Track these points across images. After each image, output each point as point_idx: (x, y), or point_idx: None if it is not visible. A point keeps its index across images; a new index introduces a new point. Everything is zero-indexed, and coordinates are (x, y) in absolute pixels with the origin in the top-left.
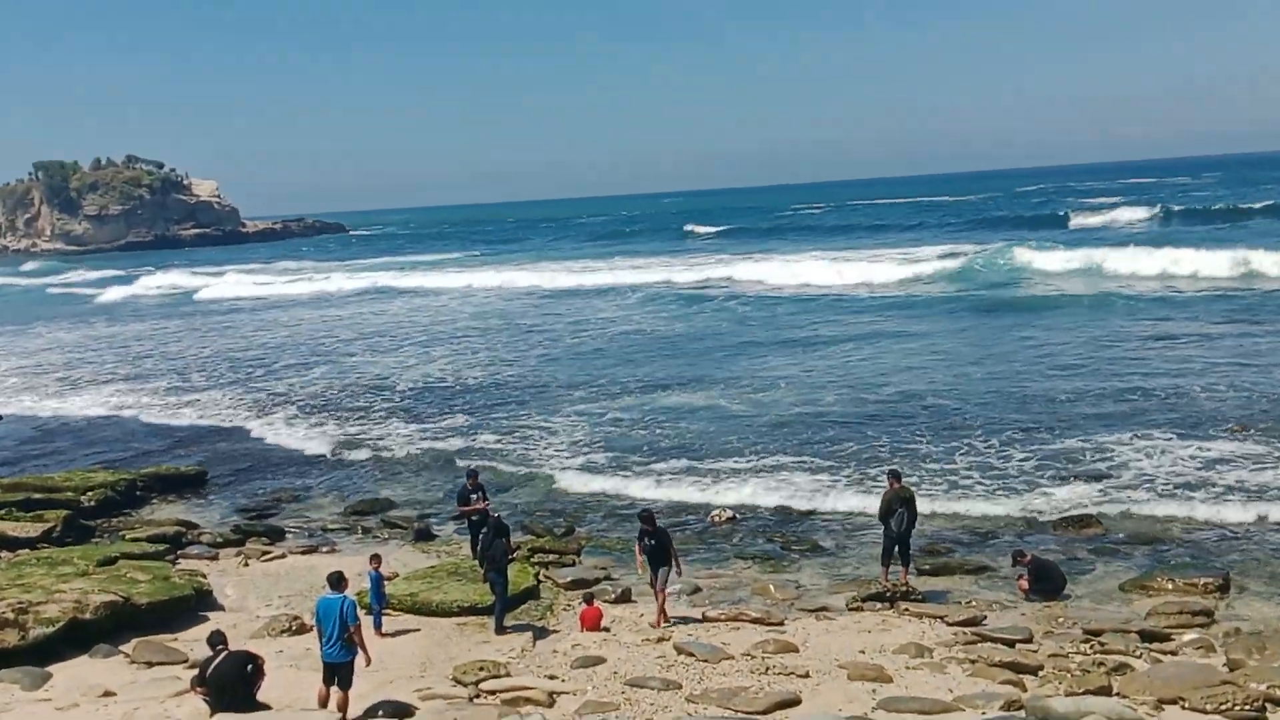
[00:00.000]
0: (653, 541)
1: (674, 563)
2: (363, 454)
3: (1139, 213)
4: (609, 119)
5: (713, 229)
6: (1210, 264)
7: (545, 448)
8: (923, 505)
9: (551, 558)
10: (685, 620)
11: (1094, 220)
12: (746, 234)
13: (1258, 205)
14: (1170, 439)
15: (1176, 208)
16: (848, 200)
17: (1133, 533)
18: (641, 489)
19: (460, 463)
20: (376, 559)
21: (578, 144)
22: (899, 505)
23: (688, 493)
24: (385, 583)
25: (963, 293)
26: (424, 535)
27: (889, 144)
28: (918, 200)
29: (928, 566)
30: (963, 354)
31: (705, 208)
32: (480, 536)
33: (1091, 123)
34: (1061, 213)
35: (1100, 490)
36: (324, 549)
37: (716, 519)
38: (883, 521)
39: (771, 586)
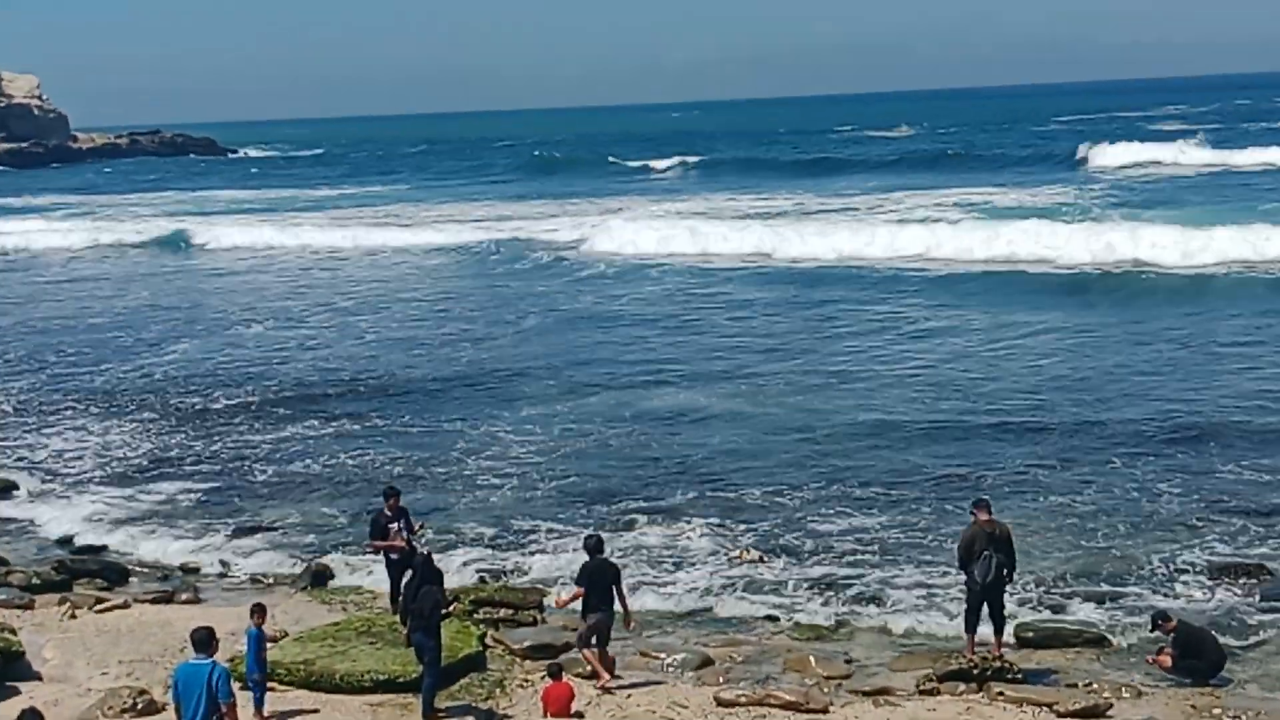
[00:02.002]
0: (596, 578)
1: (623, 607)
2: (240, 463)
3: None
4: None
5: (677, 161)
6: None
7: (494, 459)
8: (1028, 547)
9: (504, 613)
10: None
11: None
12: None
13: None
14: None
15: None
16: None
17: None
18: (628, 521)
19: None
20: (260, 611)
21: (562, 38)
22: (986, 546)
23: (689, 528)
24: (269, 644)
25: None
26: (323, 577)
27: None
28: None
29: (1031, 634)
30: (1067, 343)
31: (708, 129)
32: (404, 583)
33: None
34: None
35: (1269, 527)
36: (183, 596)
37: (740, 559)
38: (963, 569)
39: (812, 659)
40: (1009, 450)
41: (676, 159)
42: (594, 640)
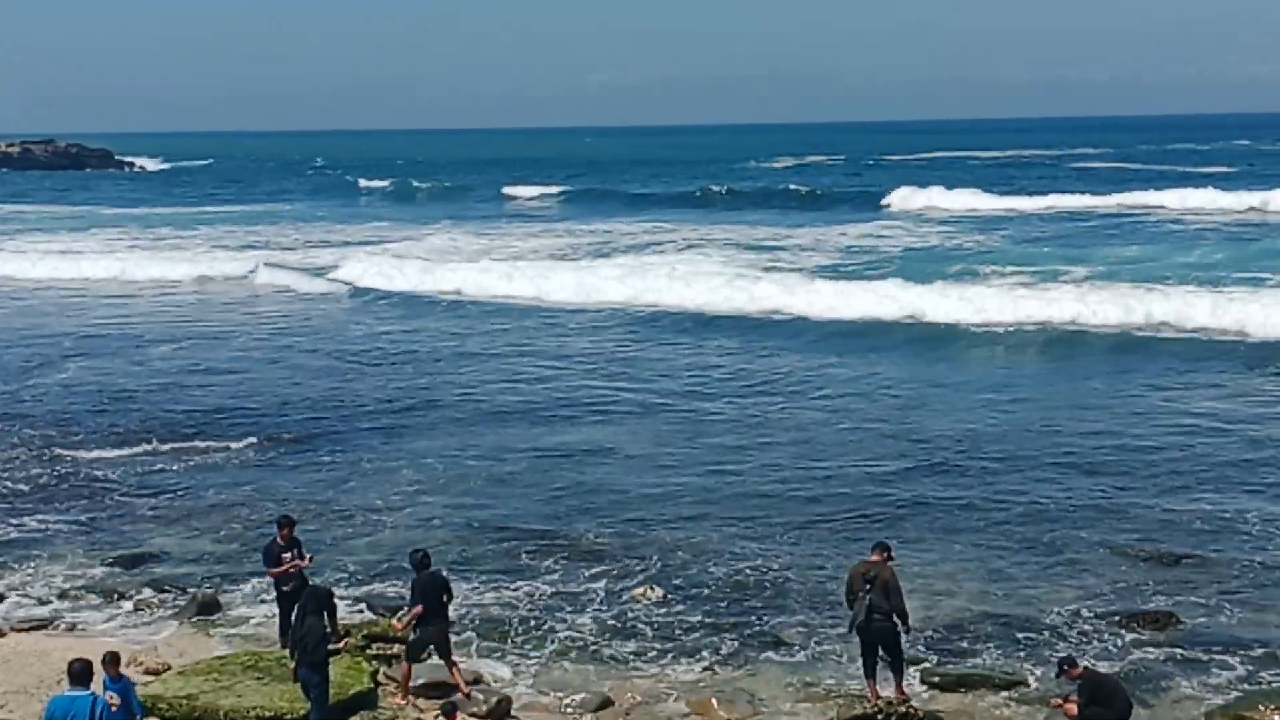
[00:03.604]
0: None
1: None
2: (120, 492)
3: None
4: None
5: (538, 193)
6: None
7: (387, 492)
8: (937, 590)
9: (397, 649)
10: None
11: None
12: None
13: None
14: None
15: None
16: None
17: (1227, 637)
18: (526, 556)
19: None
20: (113, 660)
21: (482, 57)
22: (862, 587)
23: (588, 565)
24: (149, 680)
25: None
26: (209, 607)
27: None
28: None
29: (938, 678)
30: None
31: (606, 157)
32: (294, 615)
33: None
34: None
35: (1182, 578)
36: (59, 625)
37: (640, 597)
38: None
39: (714, 701)
40: (917, 492)
41: (538, 189)
42: (426, 654)
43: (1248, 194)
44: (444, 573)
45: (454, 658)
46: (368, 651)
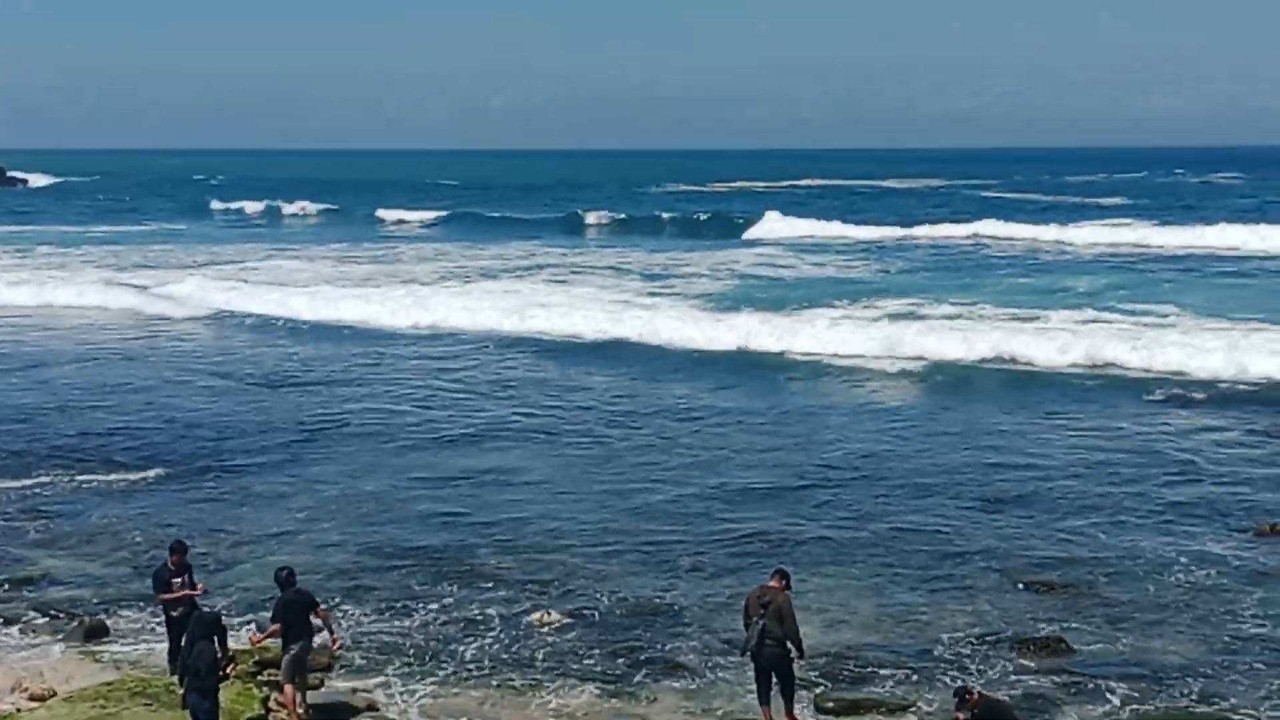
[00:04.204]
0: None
1: (327, 627)
2: (11, 507)
3: None
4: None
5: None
6: None
7: (285, 515)
8: (832, 616)
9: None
10: None
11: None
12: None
13: None
14: (1177, 536)
15: None
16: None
17: (1117, 664)
18: (422, 581)
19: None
20: None
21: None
22: (756, 612)
23: (485, 591)
24: (28, 704)
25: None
26: (97, 631)
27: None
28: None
29: (831, 704)
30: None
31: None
32: (184, 641)
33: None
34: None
35: (1073, 606)
36: None
37: (539, 622)
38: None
39: None
40: (813, 521)
41: (416, 214)
42: (317, 678)
43: (1129, 229)
44: (315, 595)
45: (310, 682)
46: (258, 678)
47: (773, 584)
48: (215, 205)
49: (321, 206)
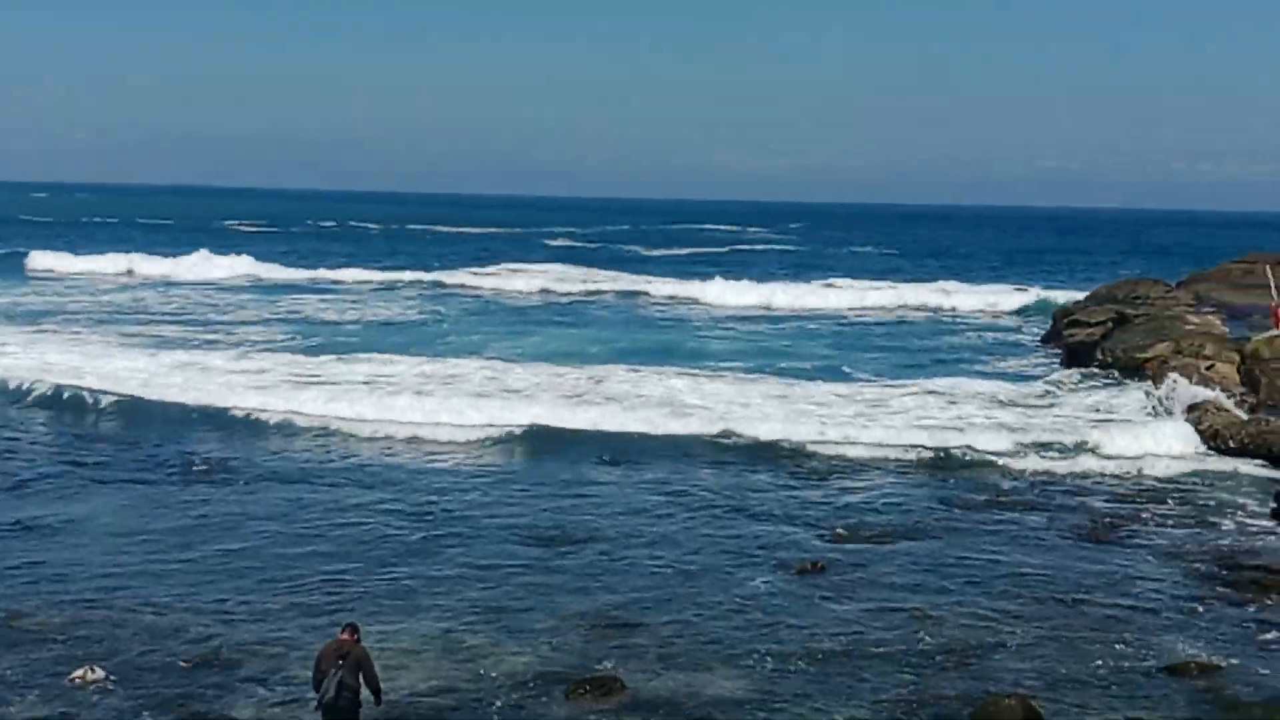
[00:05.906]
0: None
1: None
2: None
3: None
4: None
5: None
6: None
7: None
8: (396, 662)
9: None
10: None
11: None
12: None
13: None
14: (727, 574)
15: None
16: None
17: (668, 698)
18: None
19: None
20: None
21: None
22: (332, 664)
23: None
24: None
25: None
26: None
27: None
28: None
29: None
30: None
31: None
32: None
33: None
34: None
35: (627, 644)
36: None
37: (80, 680)
38: (316, 689)
39: None
40: (376, 571)
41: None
42: None
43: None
44: None
45: None
46: None
47: (344, 636)
48: None
49: None
